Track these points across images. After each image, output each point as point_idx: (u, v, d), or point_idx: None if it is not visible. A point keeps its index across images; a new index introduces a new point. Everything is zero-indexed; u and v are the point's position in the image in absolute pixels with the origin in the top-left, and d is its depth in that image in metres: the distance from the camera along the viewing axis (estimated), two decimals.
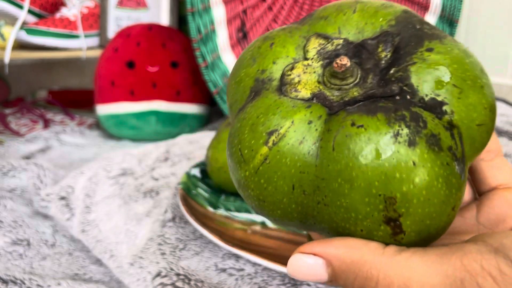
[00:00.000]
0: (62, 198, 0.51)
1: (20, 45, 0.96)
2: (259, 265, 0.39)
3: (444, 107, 0.17)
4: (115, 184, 0.55)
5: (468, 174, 0.22)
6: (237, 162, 0.19)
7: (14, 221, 0.48)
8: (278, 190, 0.18)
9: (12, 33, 0.89)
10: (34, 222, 0.49)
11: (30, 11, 0.97)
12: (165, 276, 0.37)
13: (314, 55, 0.19)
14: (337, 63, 0.17)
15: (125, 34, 0.84)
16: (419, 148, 0.16)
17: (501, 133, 0.75)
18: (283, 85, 0.19)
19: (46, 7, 1.01)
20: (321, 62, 0.19)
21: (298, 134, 0.17)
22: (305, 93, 0.18)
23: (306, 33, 0.20)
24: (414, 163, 0.16)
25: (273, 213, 0.19)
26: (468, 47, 1.28)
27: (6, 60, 0.86)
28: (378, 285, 0.16)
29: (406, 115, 0.16)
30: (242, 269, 0.39)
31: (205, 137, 0.76)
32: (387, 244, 0.17)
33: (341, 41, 0.19)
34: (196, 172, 0.54)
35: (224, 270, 0.39)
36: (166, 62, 0.81)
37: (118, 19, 1.05)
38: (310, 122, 0.18)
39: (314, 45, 0.20)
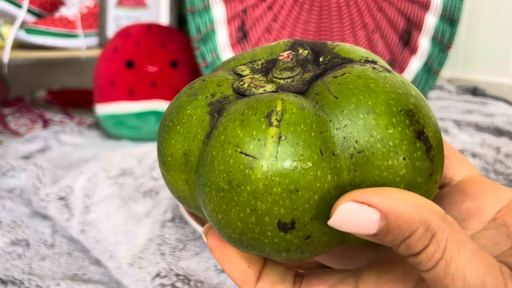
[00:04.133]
0: (61, 198, 0.51)
1: (19, 45, 0.96)
2: None
3: (371, 58, 0.20)
4: (115, 184, 0.55)
5: None
6: (244, 168, 0.16)
7: (13, 221, 0.48)
8: (308, 167, 0.16)
9: (11, 33, 0.89)
10: (33, 222, 0.49)
11: (29, 11, 0.97)
12: (164, 276, 0.36)
13: (249, 73, 0.20)
14: (282, 55, 0.19)
15: (125, 33, 0.84)
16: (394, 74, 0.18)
17: (501, 133, 0.75)
18: (244, 91, 0.19)
19: (45, 6, 1.01)
20: (259, 75, 0.20)
21: (295, 104, 0.17)
22: (269, 87, 0.19)
23: (227, 72, 0.21)
24: (402, 82, 0.18)
25: (313, 195, 0.16)
26: (468, 46, 1.28)
27: (5, 59, 0.85)
28: (446, 251, 0.15)
29: (375, 61, 0.20)
30: None
31: None
32: (428, 169, 0.17)
33: (263, 60, 0.21)
34: None
35: (223, 270, 0.39)
36: (165, 61, 0.81)
37: (118, 19, 1.05)
38: (296, 95, 0.18)
39: (243, 68, 0.21)
